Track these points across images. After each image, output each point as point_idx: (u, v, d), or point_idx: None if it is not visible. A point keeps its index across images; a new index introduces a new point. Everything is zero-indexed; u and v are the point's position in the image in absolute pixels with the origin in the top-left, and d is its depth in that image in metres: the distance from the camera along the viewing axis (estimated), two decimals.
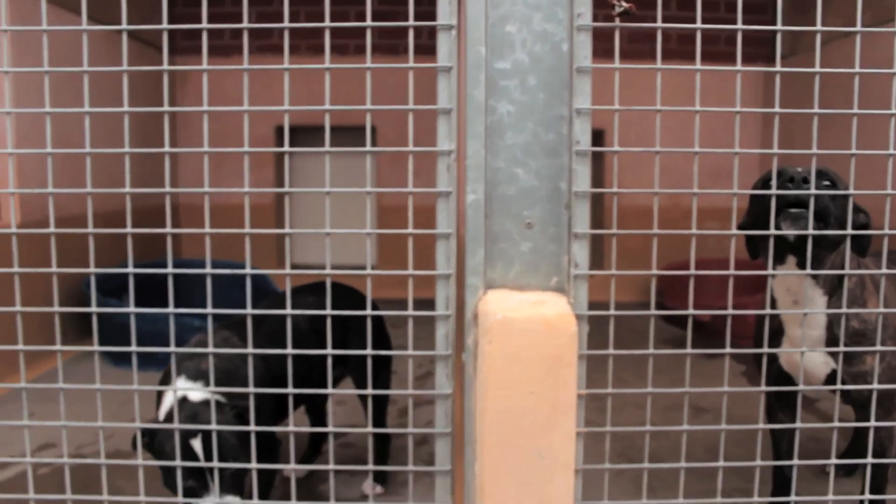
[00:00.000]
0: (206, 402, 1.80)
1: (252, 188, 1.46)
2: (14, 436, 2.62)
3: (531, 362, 1.42)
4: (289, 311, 1.53)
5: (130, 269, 1.55)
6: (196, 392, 1.83)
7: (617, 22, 1.50)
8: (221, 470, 1.76)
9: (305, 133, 5.01)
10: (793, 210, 1.68)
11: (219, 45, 5.19)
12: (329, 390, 1.58)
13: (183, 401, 1.82)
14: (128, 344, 1.52)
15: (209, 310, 1.53)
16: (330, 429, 1.61)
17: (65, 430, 1.64)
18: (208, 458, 1.76)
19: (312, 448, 2.47)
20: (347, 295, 2.25)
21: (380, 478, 2.28)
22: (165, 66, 1.48)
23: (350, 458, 2.50)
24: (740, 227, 1.89)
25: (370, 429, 1.56)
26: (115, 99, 1.45)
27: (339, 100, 1.44)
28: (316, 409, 2.33)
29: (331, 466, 1.53)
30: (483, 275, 1.53)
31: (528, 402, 1.43)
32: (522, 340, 1.41)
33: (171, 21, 1.49)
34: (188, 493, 1.77)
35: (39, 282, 1.55)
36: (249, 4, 1.46)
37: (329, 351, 1.53)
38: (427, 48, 5.18)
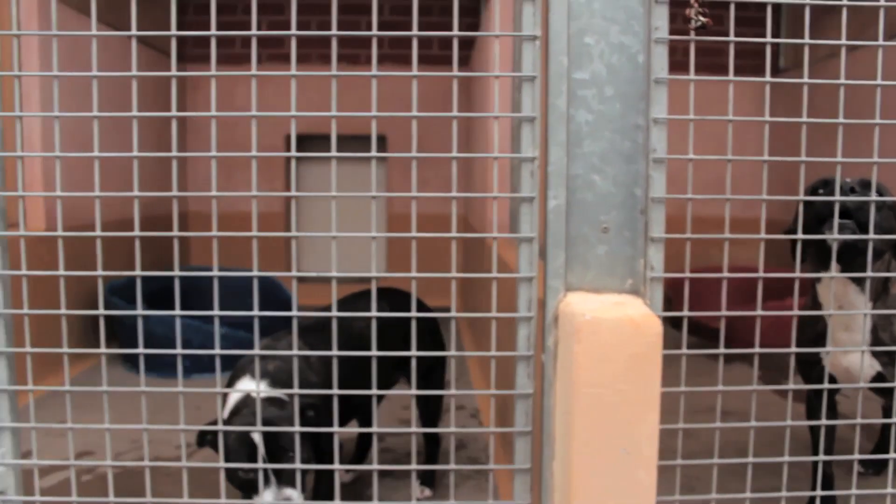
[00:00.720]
0: (269, 399, 1.83)
1: (260, 193, 1.49)
2: (47, 443, 2.60)
3: (618, 361, 1.47)
4: (330, 313, 1.56)
5: (138, 272, 1.57)
6: (262, 389, 1.85)
7: (692, 35, 1.57)
8: (281, 460, 1.78)
9: (318, 143, 5.01)
10: (838, 220, 1.77)
11: (230, 53, 5.20)
12: (404, 391, 1.61)
13: (247, 398, 1.85)
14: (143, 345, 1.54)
15: (217, 312, 1.56)
16: (396, 429, 1.65)
17: (108, 433, 1.65)
18: (269, 452, 1.78)
19: (360, 453, 2.49)
20: (408, 301, 2.29)
21: (427, 481, 2.32)
22: (174, 72, 1.51)
23: (391, 462, 2.53)
24: (786, 234, 1.97)
25: (449, 429, 1.60)
26: (140, 110, 1.48)
27: (346, 108, 1.47)
28: (369, 415, 2.35)
29: (375, 467, 1.57)
30: (563, 278, 1.58)
31: (615, 400, 1.48)
32: (611, 340, 1.47)
33: (182, 29, 1.53)
34: (248, 486, 1.80)
35: (66, 288, 1.59)
36: (261, 13, 1.51)
37: (392, 353, 1.57)
38: (438, 59, 5.28)
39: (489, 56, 4.42)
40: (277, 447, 1.77)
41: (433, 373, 2.18)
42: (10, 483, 1.64)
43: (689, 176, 1.61)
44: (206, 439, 1.85)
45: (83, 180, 1.57)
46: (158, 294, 4.14)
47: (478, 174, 3.64)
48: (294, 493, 1.80)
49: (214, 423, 1.82)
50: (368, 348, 1.96)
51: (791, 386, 1.71)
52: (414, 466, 1.47)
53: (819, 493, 2.00)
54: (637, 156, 1.58)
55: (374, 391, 1.53)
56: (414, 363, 1.55)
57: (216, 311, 1.54)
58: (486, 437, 2.80)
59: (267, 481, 1.78)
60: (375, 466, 1.57)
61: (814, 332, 1.98)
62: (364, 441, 2.44)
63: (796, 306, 2.09)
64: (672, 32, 1.59)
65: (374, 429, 1.59)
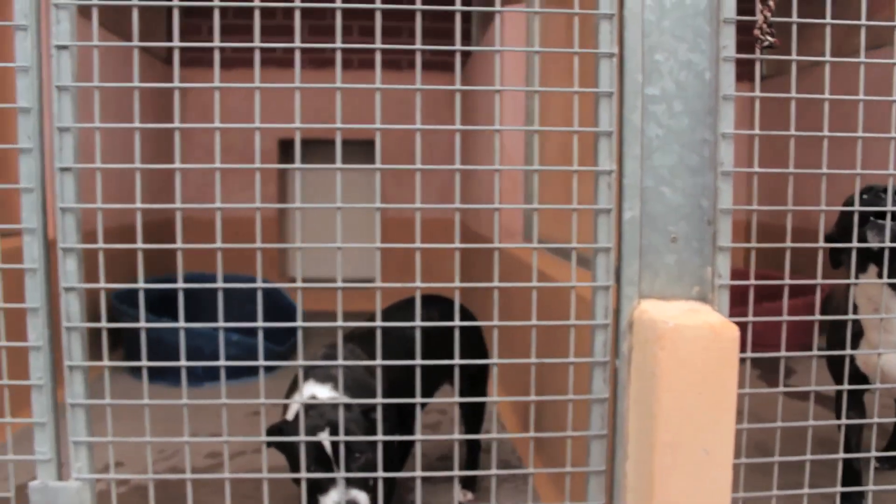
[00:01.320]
0: (333, 403, 1.85)
1: (261, 203, 1.52)
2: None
3: (699, 366, 1.54)
4: (376, 321, 1.60)
5: (141, 285, 1.58)
6: (324, 392, 1.87)
7: (757, 53, 1.65)
8: (349, 465, 1.79)
9: (308, 145, 4.99)
10: (879, 221, 1.88)
11: (221, 56, 5.13)
12: (465, 399, 1.65)
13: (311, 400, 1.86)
14: (160, 359, 1.56)
15: (229, 325, 1.59)
16: (486, 436, 1.69)
17: (149, 445, 1.66)
18: (337, 453, 1.79)
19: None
20: (452, 307, 2.32)
21: (469, 484, 2.36)
22: (176, 84, 1.53)
23: (428, 467, 2.55)
24: (827, 239, 2.07)
25: (529, 434, 1.65)
26: (128, 109, 1.51)
27: (342, 111, 1.52)
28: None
29: (455, 473, 1.61)
30: (637, 286, 1.65)
31: (696, 402, 1.55)
32: (693, 346, 1.53)
33: (172, 29, 1.55)
34: (315, 487, 1.81)
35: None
36: (252, 16, 1.53)
37: (465, 361, 1.61)
38: (432, 63, 5.26)
39: (490, 62, 4.47)
40: (346, 449, 1.78)
41: (477, 379, 2.23)
42: (87, 497, 1.63)
43: (754, 188, 1.69)
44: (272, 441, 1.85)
45: (86, 190, 1.58)
46: (165, 299, 4.05)
47: (485, 180, 3.70)
48: (361, 496, 1.81)
49: (281, 425, 1.83)
50: (422, 355, 1.99)
51: (813, 387, 1.80)
52: (491, 471, 1.51)
53: (853, 488, 2.12)
54: (703, 168, 1.65)
55: (458, 399, 1.57)
56: (454, 371, 1.60)
57: (224, 323, 1.56)
58: (512, 439, 2.83)
59: (334, 482, 1.79)
60: (456, 473, 1.61)
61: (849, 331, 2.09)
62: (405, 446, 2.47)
63: (817, 309, 2.20)
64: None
65: (456, 436, 1.63)
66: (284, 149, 5.58)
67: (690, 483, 1.56)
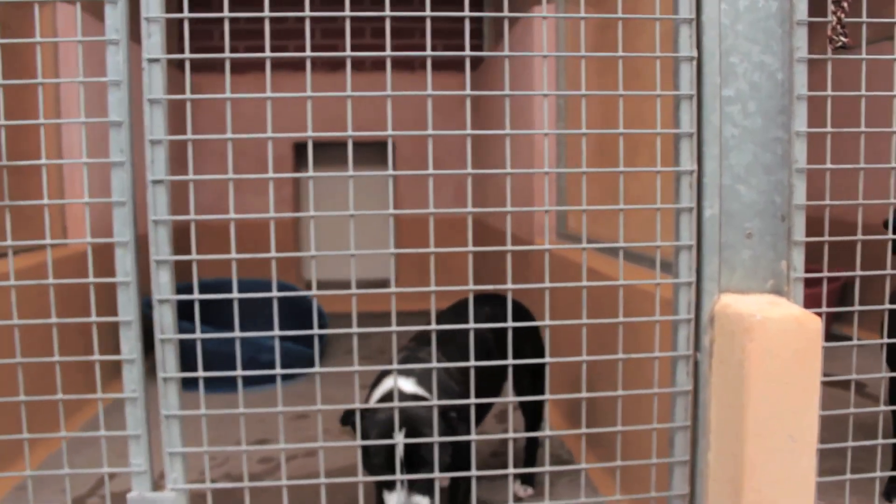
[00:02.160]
0: (414, 396, 1.87)
1: (276, 207, 1.55)
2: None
3: (785, 356, 1.60)
4: (450, 322, 1.63)
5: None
6: (408, 385, 1.91)
7: (829, 53, 1.72)
8: (418, 469, 1.80)
9: (323, 147, 4.97)
10: None
11: (233, 62, 5.10)
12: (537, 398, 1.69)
13: (391, 394, 1.89)
14: (194, 366, 1.58)
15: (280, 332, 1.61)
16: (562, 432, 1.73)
17: (206, 455, 1.67)
18: (407, 454, 1.80)
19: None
20: (516, 308, 2.35)
21: (528, 480, 2.40)
22: (188, 95, 1.56)
23: (482, 463, 2.57)
24: (884, 225, 2.15)
25: (615, 428, 1.69)
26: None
27: (354, 113, 1.56)
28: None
29: (548, 469, 1.65)
30: (717, 281, 1.70)
31: (783, 392, 1.61)
32: (780, 337, 1.59)
33: (182, 32, 1.57)
34: (381, 472, 1.83)
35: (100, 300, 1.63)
36: (261, 19, 1.56)
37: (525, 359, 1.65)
38: (443, 63, 5.29)
39: (503, 65, 4.49)
40: (416, 452, 1.80)
41: (537, 375, 2.27)
42: None
43: (826, 183, 1.75)
44: (350, 420, 1.88)
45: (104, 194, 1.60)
46: (190, 305, 3.98)
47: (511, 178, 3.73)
48: (424, 501, 1.83)
49: (363, 411, 1.86)
50: (490, 356, 2.03)
51: (854, 376, 1.88)
52: (579, 465, 1.56)
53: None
54: (776, 166, 1.70)
55: (547, 398, 1.61)
56: (517, 369, 1.62)
57: (281, 332, 1.59)
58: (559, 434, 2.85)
59: (399, 484, 1.81)
60: (549, 468, 1.65)
61: None
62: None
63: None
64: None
65: (542, 434, 1.65)
66: (300, 152, 5.56)
67: (778, 470, 1.62)
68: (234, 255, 1.59)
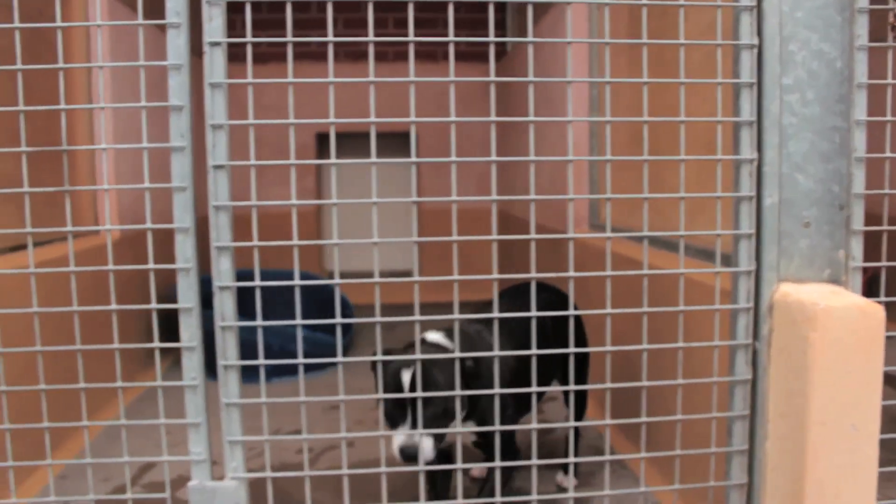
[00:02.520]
0: (437, 345, 1.92)
1: (298, 195, 1.54)
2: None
3: (850, 345, 1.59)
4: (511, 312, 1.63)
5: (257, 283, 1.60)
6: (434, 336, 1.98)
7: (890, 41, 1.71)
8: (424, 409, 1.80)
9: (344, 137, 4.96)
10: None
11: (256, 52, 5.09)
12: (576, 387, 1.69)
13: (422, 342, 1.97)
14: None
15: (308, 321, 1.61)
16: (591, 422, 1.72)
17: (268, 444, 1.66)
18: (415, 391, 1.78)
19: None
20: (563, 297, 2.35)
21: (570, 470, 2.40)
22: (250, 80, 1.54)
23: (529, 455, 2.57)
24: None
25: (676, 416, 1.69)
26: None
27: (376, 104, 1.55)
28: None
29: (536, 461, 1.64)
30: (777, 270, 1.69)
31: (845, 382, 1.60)
32: (844, 326, 1.59)
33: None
34: (388, 420, 1.88)
35: (132, 288, 1.62)
36: (282, 10, 1.55)
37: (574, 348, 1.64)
38: (464, 54, 5.29)
39: (527, 57, 4.48)
40: (425, 390, 1.78)
41: (583, 367, 2.28)
42: (243, 497, 1.62)
43: (885, 173, 1.75)
44: (375, 366, 1.93)
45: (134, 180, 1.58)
46: (209, 299, 3.96)
47: (541, 168, 3.71)
48: (427, 443, 1.82)
49: (387, 352, 1.89)
50: (543, 344, 2.01)
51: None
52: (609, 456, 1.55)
53: None
54: (834, 155, 1.70)
55: (594, 386, 1.60)
56: (567, 362, 1.61)
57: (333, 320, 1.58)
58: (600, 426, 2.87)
59: (405, 421, 1.83)
60: (606, 458, 1.64)
61: None
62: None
63: None
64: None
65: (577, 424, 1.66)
66: (321, 141, 5.55)
67: (841, 459, 1.61)
68: (295, 241, 1.58)
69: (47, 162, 2.70)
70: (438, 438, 1.87)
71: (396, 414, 1.87)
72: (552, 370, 2.12)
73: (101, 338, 1.64)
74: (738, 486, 1.73)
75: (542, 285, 2.33)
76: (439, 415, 1.84)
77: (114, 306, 1.60)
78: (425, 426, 1.82)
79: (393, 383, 1.88)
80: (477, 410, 1.98)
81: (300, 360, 1.60)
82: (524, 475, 2.47)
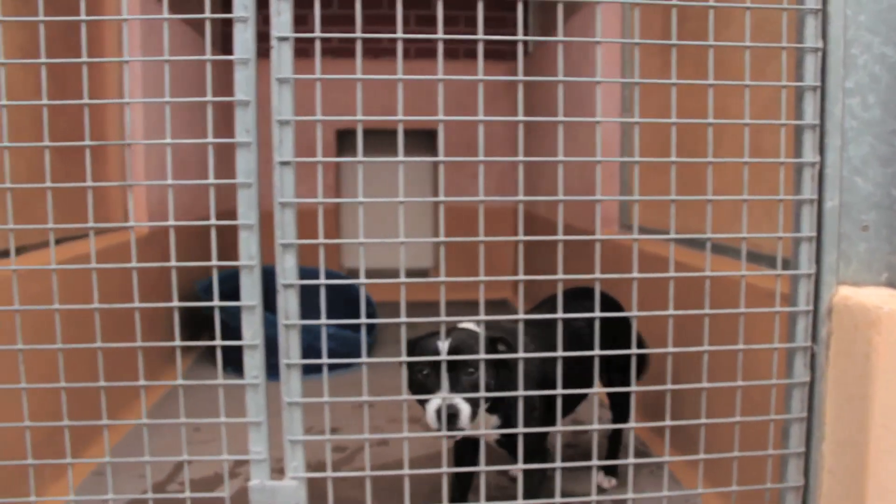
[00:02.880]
0: (468, 332, 1.94)
1: (326, 200, 1.53)
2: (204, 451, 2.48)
3: None
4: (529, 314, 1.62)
5: (323, 281, 1.59)
6: (470, 325, 2.00)
7: None
8: (459, 374, 1.82)
9: (367, 136, 4.91)
10: None
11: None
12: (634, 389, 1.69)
13: (453, 327, 1.98)
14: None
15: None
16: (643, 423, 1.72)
17: (328, 444, 1.65)
18: (451, 364, 1.81)
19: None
20: (611, 302, 2.34)
21: (611, 471, 2.40)
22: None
23: (570, 458, 2.60)
24: None
25: (734, 419, 1.69)
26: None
27: (396, 101, 1.55)
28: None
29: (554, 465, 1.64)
30: (836, 273, 1.70)
31: None
32: None
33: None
34: (422, 389, 1.88)
35: (161, 285, 1.60)
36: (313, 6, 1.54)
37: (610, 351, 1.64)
38: (487, 52, 5.24)
39: (555, 52, 4.47)
40: (461, 362, 1.82)
41: (626, 371, 2.27)
42: (303, 496, 1.61)
43: None
44: (413, 350, 1.95)
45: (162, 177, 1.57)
46: (232, 295, 3.93)
47: (570, 169, 3.70)
48: (463, 406, 1.81)
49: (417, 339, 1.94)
50: (584, 347, 2.01)
51: None
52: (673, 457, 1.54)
53: None
54: (893, 158, 1.70)
55: (638, 388, 1.59)
56: (600, 364, 1.61)
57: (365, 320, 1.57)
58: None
59: (439, 391, 1.81)
60: (666, 459, 1.64)
61: None
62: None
63: None
64: None
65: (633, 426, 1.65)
66: (341, 139, 5.53)
67: None
68: (362, 239, 1.57)
69: (81, 156, 2.66)
70: (474, 408, 1.85)
71: (431, 383, 1.85)
72: (589, 379, 2.10)
73: (127, 334, 1.62)
74: (794, 489, 1.73)
75: (589, 291, 2.32)
76: (475, 384, 1.83)
77: (176, 303, 1.58)
78: (465, 390, 1.82)
79: (429, 354, 1.87)
80: (502, 407, 1.97)
81: (363, 360, 1.59)
82: (565, 475, 2.46)
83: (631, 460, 1.70)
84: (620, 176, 3.27)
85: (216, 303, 1.60)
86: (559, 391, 1.63)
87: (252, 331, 1.58)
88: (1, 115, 1.54)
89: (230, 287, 4.01)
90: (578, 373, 1.93)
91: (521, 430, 1.64)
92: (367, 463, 1.62)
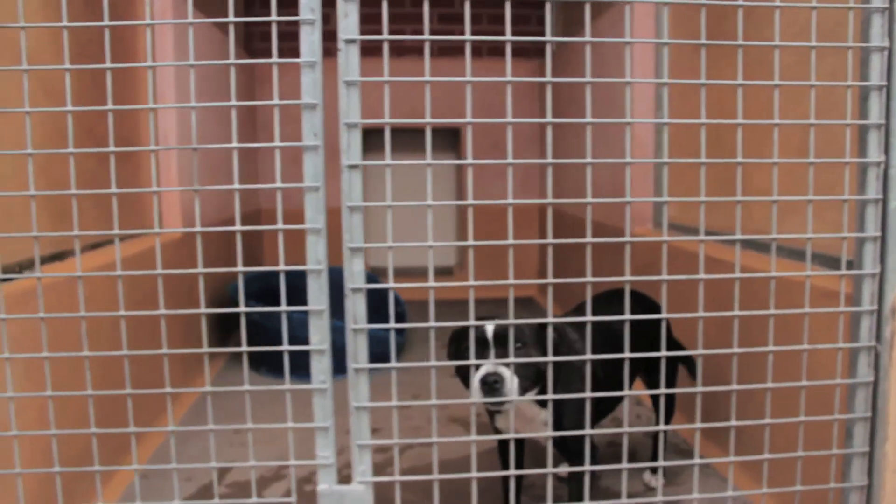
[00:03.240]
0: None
1: (365, 203, 1.52)
2: (237, 454, 2.47)
3: None
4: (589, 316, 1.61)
5: (388, 284, 1.58)
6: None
7: None
8: (505, 346, 1.77)
9: (379, 134, 4.92)
10: None
11: (296, 47, 5.06)
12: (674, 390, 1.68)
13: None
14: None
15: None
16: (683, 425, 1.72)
17: (396, 447, 1.64)
18: (497, 341, 1.84)
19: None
20: (652, 303, 2.33)
21: (657, 470, 2.40)
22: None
23: (612, 456, 2.63)
24: None
25: (798, 419, 1.68)
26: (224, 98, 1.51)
27: (417, 100, 1.53)
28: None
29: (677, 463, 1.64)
30: None
31: None
32: None
33: (248, 23, 1.54)
34: (465, 375, 1.88)
35: (187, 289, 1.60)
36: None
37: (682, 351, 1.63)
38: (497, 50, 5.21)
39: (581, 52, 4.45)
40: (509, 339, 1.73)
41: (670, 371, 2.28)
42: (370, 501, 1.61)
43: None
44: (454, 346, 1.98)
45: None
46: (269, 292, 3.91)
47: (603, 169, 3.67)
48: (507, 373, 1.80)
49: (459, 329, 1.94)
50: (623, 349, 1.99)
51: None
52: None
53: None
54: None
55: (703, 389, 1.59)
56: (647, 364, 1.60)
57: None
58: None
59: (487, 359, 1.82)
60: (676, 463, 1.63)
61: None
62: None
63: None
64: None
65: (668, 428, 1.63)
66: (364, 137, 5.48)
67: None
68: (429, 243, 1.56)
69: (117, 162, 2.65)
70: (524, 380, 1.85)
71: (479, 357, 1.84)
72: (634, 375, 2.10)
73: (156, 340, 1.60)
74: (858, 488, 1.72)
75: (631, 294, 2.31)
76: (523, 358, 1.78)
77: (243, 308, 1.57)
78: (515, 366, 1.81)
79: (477, 335, 1.86)
80: (553, 405, 1.95)
81: (433, 363, 1.58)
82: (611, 473, 2.47)
83: (698, 461, 1.70)
84: (655, 172, 3.26)
85: (284, 307, 1.59)
86: (614, 392, 1.62)
87: (320, 335, 1.57)
88: (25, 120, 1.52)
89: (260, 287, 4.00)
90: (621, 373, 1.93)
91: (582, 431, 1.63)
92: (435, 466, 1.61)
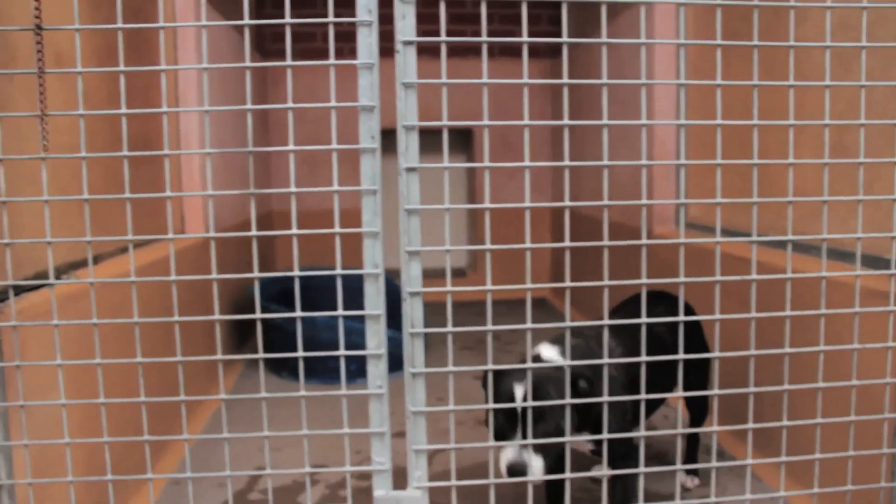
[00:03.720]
0: (551, 371, 1.86)
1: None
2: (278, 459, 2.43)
3: None
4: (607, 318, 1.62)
5: (428, 290, 1.57)
6: (549, 352, 1.97)
7: None
8: (536, 426, 1.73)
9: (390, 135, 4.86)
10: None
11: (310, 47, 5.04)
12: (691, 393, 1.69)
13: (534, 358, 1.94)
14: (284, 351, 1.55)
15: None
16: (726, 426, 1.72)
17: (453, 452, 1.63)
18: (524, 412, 1.75)
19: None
20: (685, 305, 2.32)
21: (693, 470, 2.40)
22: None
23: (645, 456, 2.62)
24: None
25: (862, 417, 1.69)
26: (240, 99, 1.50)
27: (435, 100, 1.54)
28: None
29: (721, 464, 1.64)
30: None
31: None
32: None
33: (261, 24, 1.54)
34: (498, 434, 1.82)
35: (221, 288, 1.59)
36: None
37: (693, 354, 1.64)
38: (512, 51, 5.18)
39: (598, 52, 4.44)
40: (535, 412, 1.74)
41: (703, 373, 2.28)
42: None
43: None
44: (485, 381, 1.93)
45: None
46: (286, 294, 3.85)
47: (625, 172, 3.66)
48: (536, 462, 1.76)
49: (495, 371, 1.87)
50: (665, 351, 1.99)
51: None
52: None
53: None
54: None
55: (751, 390, 1.59)
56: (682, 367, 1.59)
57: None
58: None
59: (514, 437, 1.78)
60: (723, 464, 1.63)
61: None
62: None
63: None
64: None
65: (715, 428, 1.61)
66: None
67: None
68: (487, 245, 1.55)
69: (143, 164, 2.62)
70: (549, 456, 1.79)
71: (507, 429, 1.80)
72: (671, 382, 2.09)
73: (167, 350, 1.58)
74: None
75: (659, 295, 2.31)
76: (550, 432, 1.77)
77: (299, 313, 1.55)
78: (538, 447, 1.76)
79: (506, 397, 1.82)
80: (590, 419, 1.92)
81: (490, 366, 1.57)
82: (647, 475, 2.46)
83: (750, 461, 1.70)
84: (676, 172, 3.26)
85: (342, 312, 1.57)
86: (644, 395, 1.62)
87: (376, 340, 1.56)
88: (38, 123, 1.50)
89: (279, 289, 3.95)
90: (660, 376, 1.93)
91: (606, 435, 1.62)
92: (491, 471, 1.60)
